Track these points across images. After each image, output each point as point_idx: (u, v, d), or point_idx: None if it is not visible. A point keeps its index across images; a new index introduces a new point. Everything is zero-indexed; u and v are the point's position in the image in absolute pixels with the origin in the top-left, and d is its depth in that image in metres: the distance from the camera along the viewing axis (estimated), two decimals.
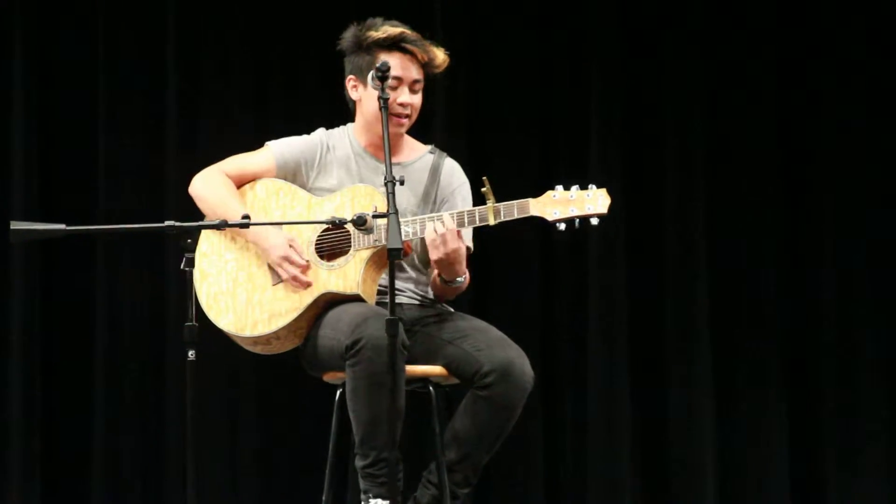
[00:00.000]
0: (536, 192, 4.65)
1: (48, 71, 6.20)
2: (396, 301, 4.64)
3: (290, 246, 4.71)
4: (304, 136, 4.90)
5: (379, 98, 4.50)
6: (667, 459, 6.31)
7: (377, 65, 4.52)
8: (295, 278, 4.69)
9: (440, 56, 4.82)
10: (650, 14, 6.37)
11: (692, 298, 6.31)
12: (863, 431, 6.33)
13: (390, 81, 4.66)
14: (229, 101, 6.24)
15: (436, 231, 4.60)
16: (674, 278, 6.33)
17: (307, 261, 4.71)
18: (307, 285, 4.70)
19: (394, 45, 4.78)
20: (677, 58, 6.35)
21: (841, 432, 6.32)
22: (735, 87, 6.37)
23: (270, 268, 4.74)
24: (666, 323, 6.34)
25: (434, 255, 4.62)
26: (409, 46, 4.78)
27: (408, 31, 4.79)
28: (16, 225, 4.25)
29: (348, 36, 4.84)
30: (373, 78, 4.58)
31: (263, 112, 6.23)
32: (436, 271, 4.71)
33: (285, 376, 5.91)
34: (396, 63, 4.75)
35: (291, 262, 4.70)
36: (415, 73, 4.79)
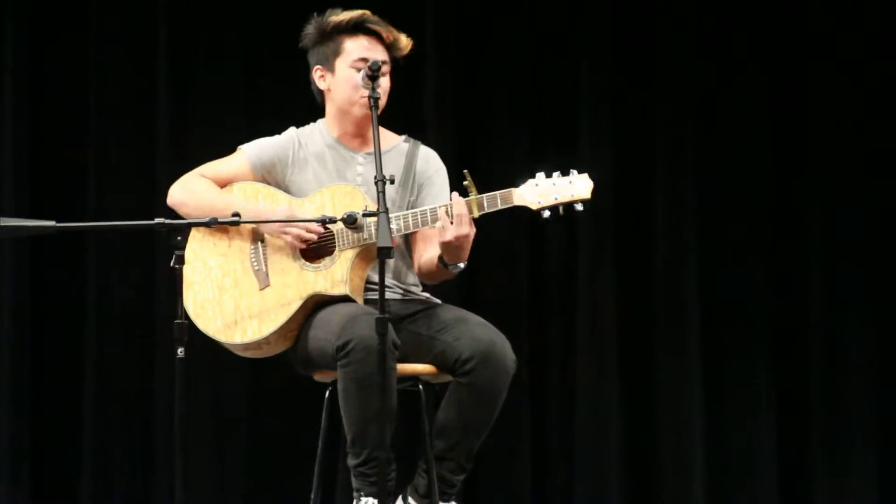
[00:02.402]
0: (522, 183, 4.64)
1: (38, 69, 6.19)
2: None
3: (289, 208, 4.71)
4: (276, 136, 4.89)
5: (369, 97, 4.51)
6: (655, 456, 6.31)
7: (369, 63, 4.53)
8: (299, 237, 4.66)
9: (403, 39, 4.82)
10: (643, 14, 6.38)
11: (682, 295, 6.32)
12: (851, 432, 6.34)
13: (357, 62, 4.71)
14: (219, 100, 6.24)
15: (449, 213, 4.56)
16: (663, 274, 6.34)
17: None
18: (318, 234, 4.66)
19: (357, 27, 4.78)
20: (670, 51, 6.36)
21: (829, 432, 6.34)
22: (728, 79, 6.39)
23: (255, 272, 4.73)
24: (655, 320, 6.35)
25: (446, 236, 4.56)
26: (372, 27, 4.78)
27: (369, 13, 4.79)
28: (5, 221, 4.25)
29: (310, 29, 4.84)
30: (363, 77, 4.57)
31: (254, 111, 6.23)
32: (437, 254, 4.67)
33: (275, 374, 5.90)
34: (363, 45, 4.77)
35: (293, 224, 4.68)
36: (381, 54, 4.77)
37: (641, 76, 6.38)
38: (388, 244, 4.16)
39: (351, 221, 4.40)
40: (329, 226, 4.64)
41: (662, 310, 6.33)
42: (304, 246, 4.69)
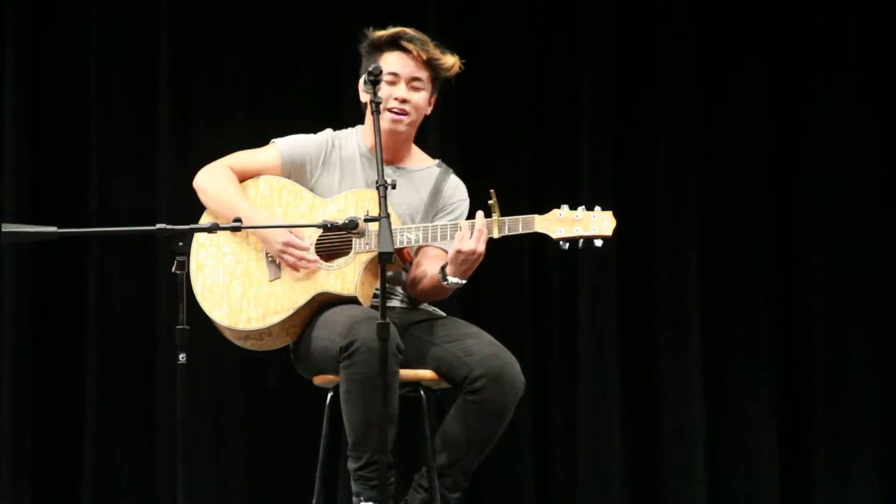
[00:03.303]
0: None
1: (40, 72, 6.19)
2: (390, 305, 4.68)
3: (291, 232, 4.70)
4: (311, 135, 4.89)
5: (371, 101, 4.51)
6: (657, 466, 6.32)
7: (369, 69, 4.54)
8: (300, 259, 4.67)
9: (449, 60, 4.83)
10: (643, 22, 6.38)
11: (683, 304, 6.32)
12: (852, 432, 6.34)
13: (388, 77, 4.71)
14: (223, 104, 6.24)
15: (472, 227, 4.59)
16: (665, 283, 6.34)
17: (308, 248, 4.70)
18: (313, 265, 4.67)
19: (392, 43, 4.79)
20: (670, 64, 6.36)
21: (830, 432, 6.33)
22: (728, 92, 6.39)
23: (268, 263, 4.74)
24: (657, 329, 6.35)
25: (462, 246, 4.59)
26: (406, 44, 4.78)
27: (409, 30, 4.80)
28: (7, 227, 4.25)
29: (363, 41, 4.85)
30: (364, 82, 4.59)
31: (257, 114, 6.23)
32: (438, 267, 4.69)
33: (276, 378, 5.92)
34: (395, 60, 4.77)
35: (294, 246, 4.68)
36: (413, 70, 4.78)
37: (643, 80, 6.38)
38: (389, 249, 4.17)
39: (352, 227, 4.39)
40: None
41: (664, 311, 6.33)
42: (297, 270, 4.69)
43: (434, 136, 6.09)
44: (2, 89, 6.12)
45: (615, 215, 4.64)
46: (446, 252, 4.71)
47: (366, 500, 4.52)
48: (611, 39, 6.36)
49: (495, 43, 6.34)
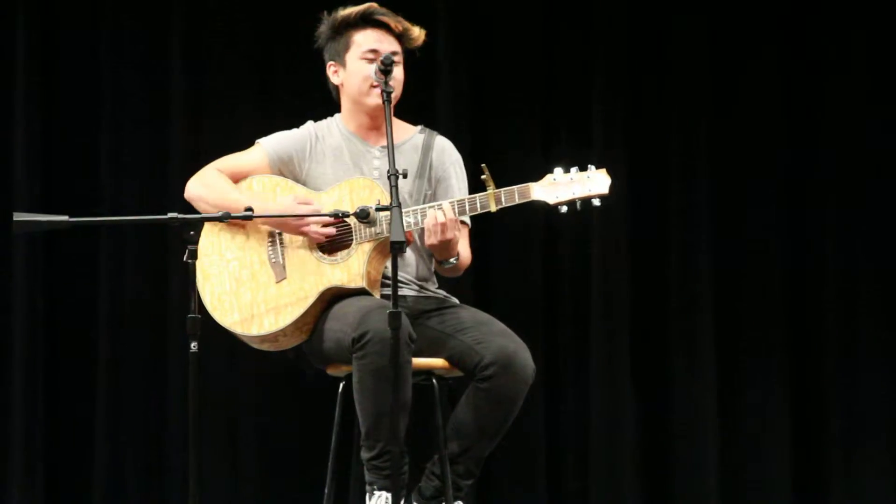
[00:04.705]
0: (539, 178, 4.66)
1: (51, 64, 6.20)
2: (400, 293, 4.69)
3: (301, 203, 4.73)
4: (293, 130, 4.91)
5: (382, 92, 4.51)
6: (669, 456, 6.31)
7: (381, 58, 4.53)
8: (318, 231, 4.68)
9: (415, 30, 4.84)
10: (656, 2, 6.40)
11: (696, 294, 6.31)
12: (866, 431, 6.32)
13: (368, 55, 4.73)
14: (233, 95, 6.24)
15: (436, 219, 4.62)
16: (678, 272, 6.33)
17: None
18: (334, 228, 4.70)
19: (364, 20, 4.81)
20: (682, 45, 6.35)
21: (844, 432, 6.32)
22: (741, 72, 6.38)
23: (273, 264, 4.75)
24: (670, 319, 6.34)
25: (430, 240, 4.64)
26: (380, 18, 4.81)
27: (375, 5, 4.82)
28: (19, 216, 4.26)
29: (322, 28, 4.89)
30: (375, 72, 4.60)
31: (267, 106, 6.24)
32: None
33: (288, 369, 5.91)
34: (372, 37, 4.80)
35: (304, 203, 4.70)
36: (391, 44, 4.80)
37: (655, 65, 6.37)
38: (401, 238, 4.18)
39: (364, 216, 4.41)
40: (346, 219, 4.66)
41: (676, 308, 6.33)
42: (323, 239, 4.70)
43: (446, 116, 6.10)
44: (13, 81, 6.13)
45: (609, 172, 4.63)
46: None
47: (379, 490, 4.53)
48: (624, 20, 6.35)
49: (507, 23, 6.32)
